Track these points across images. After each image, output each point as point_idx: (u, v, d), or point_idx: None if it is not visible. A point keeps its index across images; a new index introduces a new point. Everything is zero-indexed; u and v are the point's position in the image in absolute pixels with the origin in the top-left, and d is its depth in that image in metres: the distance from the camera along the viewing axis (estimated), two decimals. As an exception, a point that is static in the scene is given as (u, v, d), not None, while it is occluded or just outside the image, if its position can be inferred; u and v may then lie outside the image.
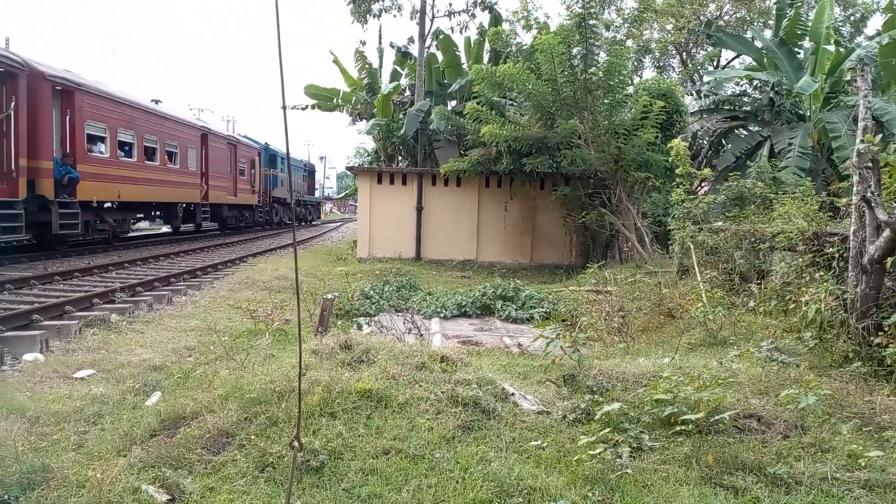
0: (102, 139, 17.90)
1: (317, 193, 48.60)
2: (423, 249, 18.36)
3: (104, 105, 17.74)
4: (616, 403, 4.48)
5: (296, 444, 2.84)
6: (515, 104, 16.63)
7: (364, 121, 23.65)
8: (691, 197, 10.81)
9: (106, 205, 18.58)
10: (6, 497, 3.56)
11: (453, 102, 21.71)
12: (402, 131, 20.11)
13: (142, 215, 23.78)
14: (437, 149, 20.37)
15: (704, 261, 9.53)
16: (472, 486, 3.66)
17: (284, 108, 2.31)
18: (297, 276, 2.71)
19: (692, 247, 9.59)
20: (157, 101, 22.36)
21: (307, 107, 23.74)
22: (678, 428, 4.33)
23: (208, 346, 7.21)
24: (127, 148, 19.19)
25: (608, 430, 4.15)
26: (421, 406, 4.56)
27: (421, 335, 8.80)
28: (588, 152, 13.81)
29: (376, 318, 10.00)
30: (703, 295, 8.10)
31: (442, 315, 10.70)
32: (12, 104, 13.37)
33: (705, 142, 20.22)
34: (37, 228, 15.28)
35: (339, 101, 23.77)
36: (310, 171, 40.50)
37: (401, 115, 21.22)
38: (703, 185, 16.94)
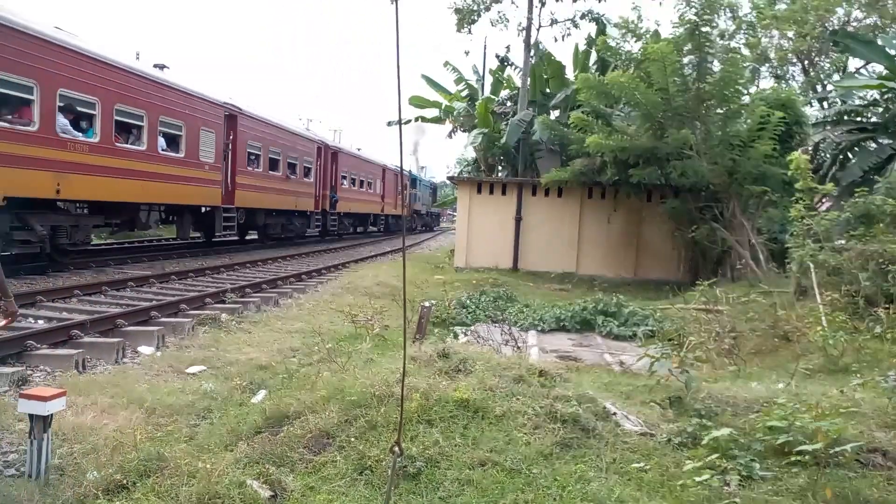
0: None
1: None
2: (521, 260, 18.21)
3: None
4: (725, 429, 4.23)
5: (396, 449, 2.85)
6: (622, 114, 16.24)
7: (465, 132, 23.88)
8: (812, 213, 10.15)
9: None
10: (125, 481, 3.78)
11: (556, 113, 21.49)
12: (503, 141, 20.09)
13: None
14: (539, 159, 20.20)
15: (825, 282, 8.91)
16: (570, 505, 3.55)
17: (400, 130, 2.32)
18: (405, 286, 2.72)
19: (812, 266, 8.99)
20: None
21: (414, 119, 24.21)
22: (793, 458, 4.03)
23: (311, 348, 7.43)
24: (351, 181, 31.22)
25: (716, 456, 3.92)
26: (518, 419, 4.48)
27: (518, 347, 8.68)
28: (700, 164, 13.26)
29: (473, 328, 9.98)
30: (824, 318, 7.56)
31: (539, 328, 10.55)
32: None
33: (828, 155, 18.96)
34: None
35: (441, 113, 24.11)
36: (433, 188, 50.22)
37: (502, 125, 21.22)
38: (824, 200, 15.89)
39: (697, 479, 3.65)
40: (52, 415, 3.90)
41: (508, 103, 23.23)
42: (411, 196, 42.51)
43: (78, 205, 13.73)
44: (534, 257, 18.13)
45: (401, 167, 2.83)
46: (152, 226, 17.43)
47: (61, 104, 12.23)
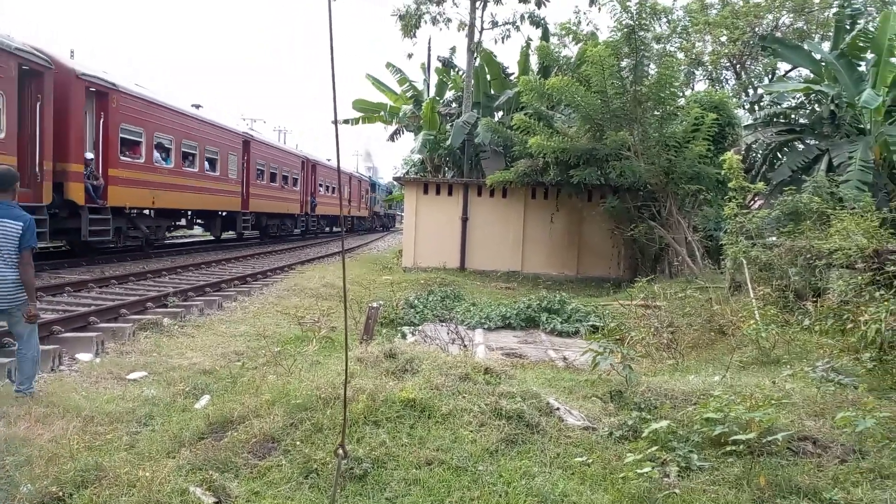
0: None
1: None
2: (468, 260, 18.35)
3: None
4: (664, 421, 4.38)
5: (341, 451, 2.85)
6: (564, 116, 16.53)
7: (411, 132, 23.89)
8: (744, 211, 10.55)
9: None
10: (61, 493, 3.67)
11: (499, 114, 21.72)
12: (448, 142, 20.19)
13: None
14: (484, 160, 20.38)
15: (758, 277, 9.28)
16: (515, 501, 3.62)
17: (336, 128, 2.33)
18: (345, 286, 2.73)
19: (745, 262, 9.35)
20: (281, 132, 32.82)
21: (356, 120, 24.09)
22: (729, 448, 4.20)
23: (256, 352, 7.34)
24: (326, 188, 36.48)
25: (656, 448, 4.06)
26: (464, 417, 4.54)
27: (465, 346, 8.77)
28: (638, 164, 13.62)
29: (420, 328, 10.02)
30: (756, 312, 7.89)
31: (486, 326, 10.66)
32: None
33: (759, 155, 19.73)
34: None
35: (386, 114, 24.07)
36: (390, 191, 52.42)
37: (447, 127, 21.32)
38: (756, 199, 16.53)
39: (638, 471, 3.77)
40: (-19, 427, 3.75)
41: (454, 104, 23.36)
42: (371, 199, 47.90)
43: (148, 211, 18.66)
44: (480, 257, 18.28)
45: (338, 166, 2.85)
46: (193, 227, 24.76)
47: (155, 143, 17.76)
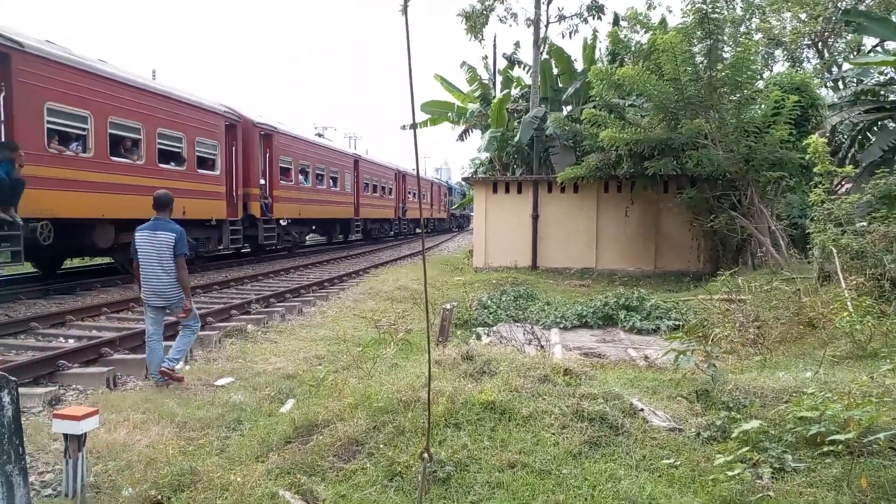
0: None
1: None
2: (540, 258, 18.18)
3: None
4: (755, 421, 4.21)
5: (425, 455, 2.87)
6: (635, 106, 16.15)
7: (479, 132, 23.89)
8: (832, 197, 10.03)
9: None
10: (160, 497, 3.85)
11: (568, 108, 21.43)
12: (516, 139, 20.07)
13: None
14: (553, 155, 20.16)
15: (849, 266, 8.80)
16: (601, 504, 3.56)
17: (416, 150, 2.35)
18: (427, 290, 2.75)
19: (835, 251, 8.88)
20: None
21: (425, 123, 24.25)
22: (826, 448, 4.00)
23: (337, 356, 7.49)
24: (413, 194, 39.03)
25: (747, 449, 3.90)
26: (545, 420, 4.49)
27: (541, 346, 8.70)
28: (715, 152, 13.15)
29: (495, 329, 9.99)
30: (849, 303, 7.47)
31: (562, 325, 10.53)
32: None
33: (846, 136, 18.71)
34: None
35: (454, 114, 24.13)
36: (463, 193, 55.84)
37: (515, 124, 21.19)
38: (843, 183, 15.69)
39: (729, 473, 3.64)
40: (85, 433, 3.97)
41: (520, 101, 23.20)
42: (448, 202, 52.34)
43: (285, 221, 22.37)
44: (552, 254, 18.09)
45: (416, 169, 2.86)
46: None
47: (299, 168, 22.61)
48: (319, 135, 28.54)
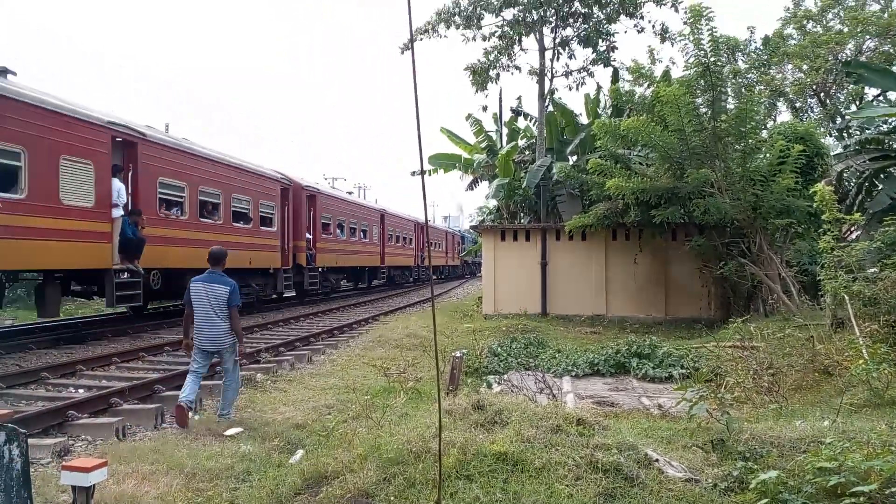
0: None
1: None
2: (550, 305, 18.13)
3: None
4: (773, 471, 4.13)
5: (438, 508, 2.83)
6: (640, 156, 16.32)
7: (486, 182, 24.12)
8: (842, 244, 10.02)
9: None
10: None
11: (573, 158, 21.66)
12: (523, 186, 20.24)
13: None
14: (560, 203, 20.29)
15: (862, 312, 8.73)
16: (618, 559, 3.47)
17: (425, 201, 2.40)
18: (436, 336, 2.75)
19: (847, 298, 8.83)
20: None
21: (433, 171, 24.51)
22: (847, 501, 3.91)
23: (346, 405, 7.44)
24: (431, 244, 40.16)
25: (766, 500, 3.83)
26: (559, 471, 4.42)
27: (553, 395, 8.61)
28: (722, 201, 13.22)
29: (505, 377, 9.91)
30: (864, 350, 7.39)
31: (573, 374, 10.44)
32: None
33: (853, 184, 18.79)
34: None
35: (461, 165, 24.43)
36: (475, 241, 58.65)
37: (522, 174, 21.41)
38: (852, 230, 15.68)
39: (748, 526, 3.55)
40: (94, 485, 3.93)
41: (527, 152, 23.49)
42: (462, 249, 54.67)
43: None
44: (562, 301, 18.04)
45: (425, 216, 2.91)
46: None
47: (337, 223, 25.98)
48: (350, 192, 33.67)
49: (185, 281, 12.93)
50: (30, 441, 3.74)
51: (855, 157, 17.86)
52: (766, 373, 7.76)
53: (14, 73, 11.33)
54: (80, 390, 8.44)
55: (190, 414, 6.84)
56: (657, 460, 4.64)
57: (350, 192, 36.96)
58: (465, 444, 4.69)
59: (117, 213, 12.75)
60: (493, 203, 24.87)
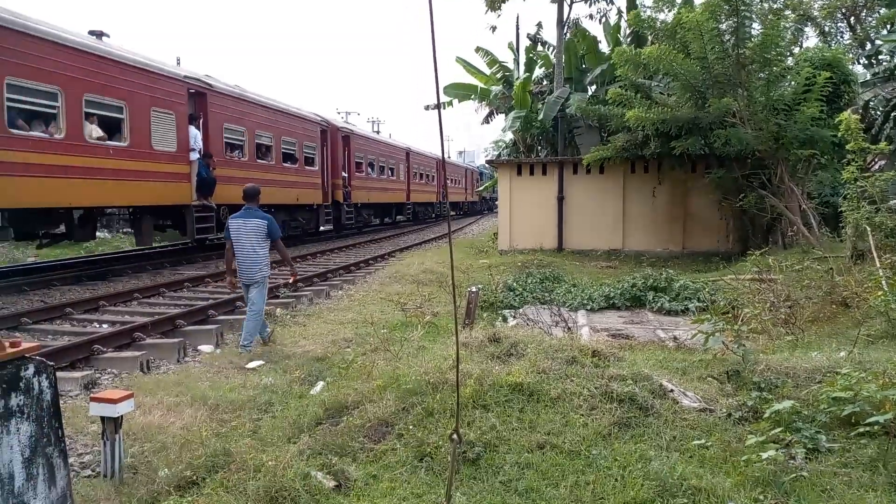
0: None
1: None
2: (566, 240, 18.08)
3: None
4: (787, 401, 4.17)
5: (455, 436, 2.89)
6: (661, 85, 15.91)
7: (502, 114, 23.72)
8: (866, 175, 9.81)
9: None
10: (195, 477, 3.92)
11: (593, 88, 21.17)
12: (540, 119, 19.88)
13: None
14: (578, 136, 19.95)
15: (883, 244, 8.61)
16: (631, 485, 3.55)
17: (442, 135, 2.34)
18: (453, 272, 2.75)
19: (868, 229, 8.70)
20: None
21: (449, 103, 24.10)
22: (861, 429, 3.95)
23: (365, 338, 7.54)
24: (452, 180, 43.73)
25: (779, 429, 3.87)
26: (574, 401, 4.49)
27: (568, 328, 8.68)
28: (744, 131, 12.91)
29: (521, 311, 9.98)
30: (884, 282, 7.32)
31: (589, 307, 10.47)
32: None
33: (880, 112, 18.27)
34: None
35: (476, 97, 23.96)
36: (481, 172, 58.78)
37: (539, 105, 21.00)
38: (877, 160, 15.33)
39: (762, 453, 3.60)
40: (122, 416, 4.06)
41: (545, 82, 22.97)
42: (480, 185, 54.61)
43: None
44: (578, 236, 17.98)
45: (441, 149, 2.85)
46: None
47: (368, 162, 27.15)
48: (377, 131, 34.30)
49: None
50: (58, 374, 3.84)
51: (883, 85, 17.29)
52: (784, 305, 7.73)
53: (108, 36, 13.24)
54: (104, 325, 8.64)
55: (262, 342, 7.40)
56: (672, 391, 4.68)
57: (377, 132, 38.92)
58: (481, 375, 4.77)
59: (194, 156, 14.68)
60: (509, 136, 24.54)
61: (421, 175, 36.97)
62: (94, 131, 11.97)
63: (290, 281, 7.76)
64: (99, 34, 12.98)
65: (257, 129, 17.83)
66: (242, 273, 7.29)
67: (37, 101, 10.83)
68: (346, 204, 24.27)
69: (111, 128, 12.47)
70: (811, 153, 13.05)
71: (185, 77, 14.76)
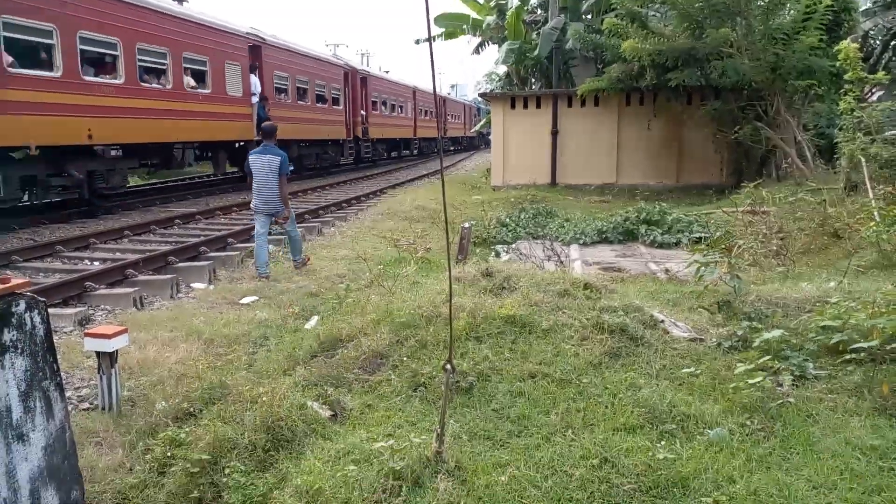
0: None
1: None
2: (559, 175, 17.97)
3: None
4: (776, 330, 4.22)
5: (448, 366, 2.92)
6: (658, 14, 15.52)
7: (495, 45, 23.17)
8: (863, 105, 9.69)
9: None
10: (192, 409, 3.97)
11: (589, 17, 20.64)
12: (535, 52, 19.45)
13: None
14: (573, 67, 19.57)
15: (877, 175, 8.59)
16: (621, 411, 3.62)
17: (431, 50, 2.26)
18: (445, 204, 2.72)
19: (863, 160, 8.66)
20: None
21: (440, 35, 23.50)
22: (848, 357, 4.01)
23: (358, 274, 7.56)
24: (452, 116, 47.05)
25: (768, 357, 3.92)
26: (565, 332, 4.53)
27: (561, 262, 8.71)
28: (741, 62, 12.68)
29: (514, 246, 10.01)
30: (876, 213, 7.33)
31: (581, 241, 10.50)
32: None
33: (879, 42, 17.93)
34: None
35: (468, 27, 23.34)
36: (479, 108, 59.30)
37: (534, 36, 20.51)
38: (874, 91, 15.13)
39: (750, 381, 3.66)
40: (116, 351, 4.08)
41: (539, 11, 22.36)
42: (477, 121, 55.20)
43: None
44: (572, 170, 17.87)
45: (433, 84, 2.79)
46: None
47: (381, 101, 29.86)
48: (386, 71, 37.66)
49: (293, 149, 19.40)
50: (51, 311, 3.85)
51: (884, 14, 16.90)
52: (776, 237, 7.76)
53: (187, 0, 16.20)
54: (96, 263, 8.61)
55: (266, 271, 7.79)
56: (663, 321, 4.73)
57: (387, 72, 40.30)
58: (474, 308, 4.79)
59: (255, 99, 17.67)
60: (502, 69, 24.09)
61: (425, 111, 38.93)
62: (189, 81, 15.13)
63: (282, 220, 7.92)
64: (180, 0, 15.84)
65: (297, 75, 20.93)
66: (262, 204, 7.81)
67: (155, 60, 13.96)
68: (364, 139, 26.93)
69: (197, 78, 15.60)
70: (809, 84, 12.86)
71: (247, 33, 17.87)
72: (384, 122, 30.18)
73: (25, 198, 12.27)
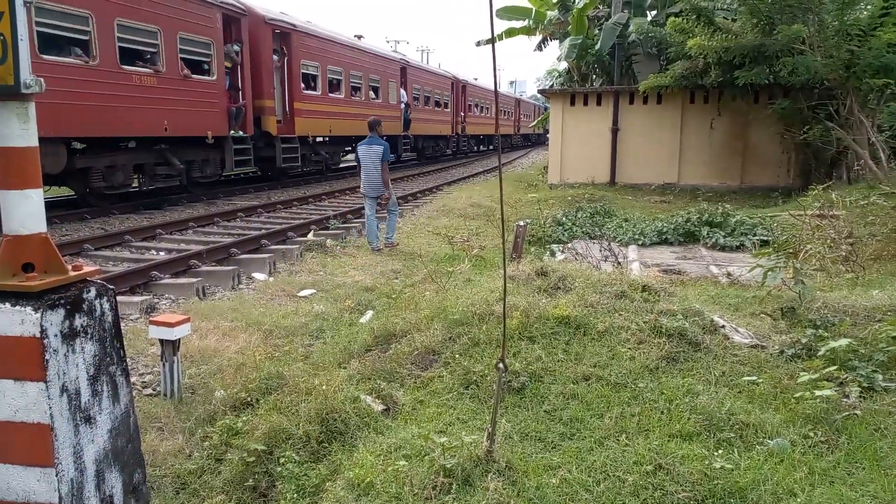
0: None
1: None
2: (619, 173, 17.67)
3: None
4: (844, 339, 4.05)
5: (501, 365, 2.91)
6: (725, 9, 15.07)
7: (557, 41, 22.89)
8: (944, 105, 9.21)
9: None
10: (249, 399, 4.08)
11: (653, 13, 20.18)
12: (597, 48, 19.15)
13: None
14: (636, 64, 19.18)
15: (958, 179, 8.16)
16: (678, 418, 3.54)
17: (494, 57, 2.25)
18: (503, 205, 2.70)
19: (943, 164, 8.23)
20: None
21: (500, 35, 23.28)
22: (920, 370, 3.83)
23: (412, 270, 7.62)
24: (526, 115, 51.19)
25: (834, 367, 3.77)
26: (621, 335, 4.45)
27: (618, 263, 8.56)
28: (813, 59, 12.20)
29: (570, 246, 9.89)
30: (956, 219, 6.97)
31: (640, 242, 10.31)
32: None
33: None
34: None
35: (531, 21, 23.08)
36: (545, 107, 58.16)
37: (596, 31, 20.18)
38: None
39: (815, 391, 3.53)
40: (179, 339, 4.21)
41: (602, 6, 21.98)
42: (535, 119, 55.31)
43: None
44: (632, 169, 17.54)
45: (495, 85, 2.78)
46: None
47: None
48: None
49: (419, 141, 28.44)
50: (119, 298, 4.00)
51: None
52: (846, 241, 7.45)
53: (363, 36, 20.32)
54: (161, 253, 8.92)
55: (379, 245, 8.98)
56: (723, 326, 4.60)
57: (428, 63, 43.01)
58: (528, 307, 4.76)
59: (402, 106, 23.69)
60: (562, 66, 23.74)
61: (504, 112, 43.02)
62: (371, 94, 19.25)
63: (383, 200, 8.98)
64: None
65: (425, 86, 26.36)
66: (369, 188, 8.95)
67: (356, 81, 19.18)
68: (462, 135, 32.24)
69: (375, 91, 20.49)
70: (885, 82, 12.27)
71: (400, 59, 23.41)
72: (476, 122, 36.87)
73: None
